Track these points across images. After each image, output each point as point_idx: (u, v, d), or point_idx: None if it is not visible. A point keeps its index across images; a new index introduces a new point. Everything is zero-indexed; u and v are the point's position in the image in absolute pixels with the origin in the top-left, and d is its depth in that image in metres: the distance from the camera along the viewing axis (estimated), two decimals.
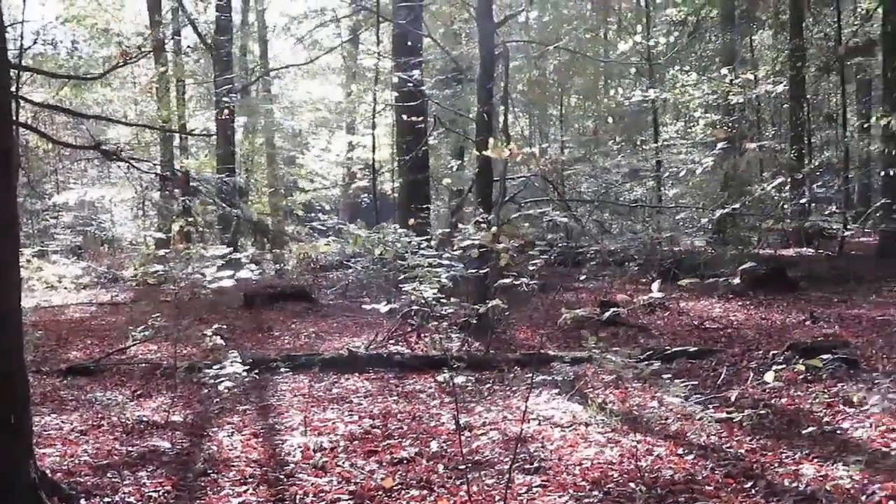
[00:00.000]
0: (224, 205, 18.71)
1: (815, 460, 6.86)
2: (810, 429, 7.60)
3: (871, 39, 26.80)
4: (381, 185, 30.40)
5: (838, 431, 7.75)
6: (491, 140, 11.59)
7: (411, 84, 17.56)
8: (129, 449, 7.78)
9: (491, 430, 8.13)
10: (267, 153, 32.98)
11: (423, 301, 7.21)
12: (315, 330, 14.87)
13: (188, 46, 27.41)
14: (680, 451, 7.28)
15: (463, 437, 7.49)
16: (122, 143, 16.90)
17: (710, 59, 30.59)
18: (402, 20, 18.22)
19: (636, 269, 17.50)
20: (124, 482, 6.80)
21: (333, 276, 21.28)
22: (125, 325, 13.99)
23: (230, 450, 7.70)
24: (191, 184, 16.45)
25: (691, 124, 26.77)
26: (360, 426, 8.41)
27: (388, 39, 24.64)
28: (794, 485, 6.32)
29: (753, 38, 31.68)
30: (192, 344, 12.51)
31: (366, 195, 31.00)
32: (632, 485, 6.42)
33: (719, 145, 16.52)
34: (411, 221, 13.59)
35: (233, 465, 7.19)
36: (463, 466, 6.76)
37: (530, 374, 9.69)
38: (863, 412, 8.22)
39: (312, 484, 6.67)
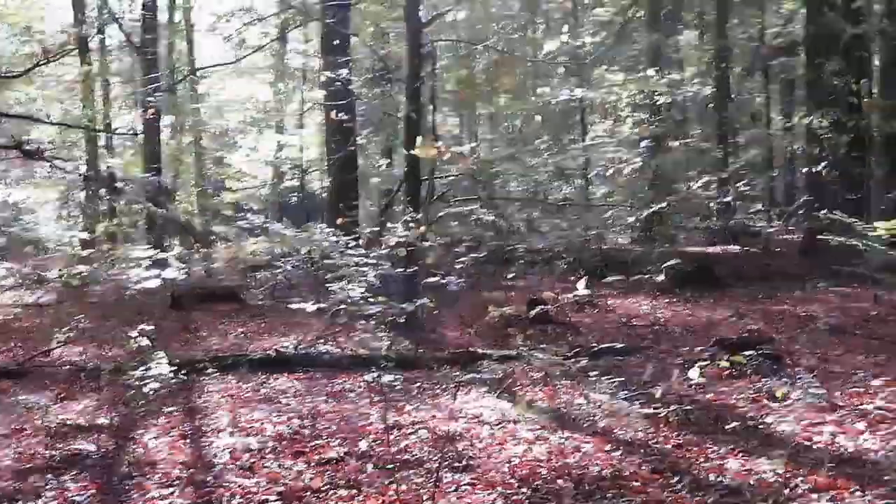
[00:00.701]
0: (150, 205, 18.52)
1: (740, 454, 6.95)
2: (735, 424, 7.71)
3: (794, 40, 27.20)
4: (309, 184, 30.30)
5: (762, 426, 7.87)
6: (419, 139, 11.66)
7: (339, 83, 17.51)
8: (53, 453, 7.68)
9: (420, 428, 8.13)
10: (195, 153, 32.65)
11: (350, 300, 7.20)
12: (244, 330, 14.77)
13: (113, 45, 27.07)
14: (607, 447, 7.34)
15: (391, 437, 7.50)
16: (45, 143, 16.66)
17: (637, 59, 30.85)
18: (330, 19, 18.15)
19: (564, 267, 17.60)
20: (47, 486, 6.72)
21: (262, 276, 21.13)
22: (49, 327, 13.78)
23: (156, 452, 7.62)
24: (116, 184, 16.27)
25: (619, 123, 26.94)
26: (288, 426, 8.37)
27: (316, 38, 24.55)
28: (720, 479, 6.40)
29: (679, 38, 31.94)
30: (117, 345, 12.37)
31: (295, 195, 30.87)
32: (560, 481, 6.46)
33: (643, 143, 16.67)
34: (340, 221, 13.57)
35: (159, 468, 7.12)
36: (391, 466, 6.76)
37: (459, 373, 9.71)
38: (786, 407, 8.35)
39: (240, 485, 6.63)
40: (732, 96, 28.79)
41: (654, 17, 28.88)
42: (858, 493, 5.99)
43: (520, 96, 30.95)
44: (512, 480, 6.53)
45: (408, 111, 13.91)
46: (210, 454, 7.50)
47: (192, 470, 7.04)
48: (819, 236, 15.16)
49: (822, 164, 19.97)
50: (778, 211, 24.47)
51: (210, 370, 10.52)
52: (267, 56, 33.02)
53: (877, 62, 20.56)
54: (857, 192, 19.30)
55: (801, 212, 21.54)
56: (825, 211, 12.51)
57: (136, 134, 24.93)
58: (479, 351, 11.29)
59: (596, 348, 11.31)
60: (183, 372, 9.85)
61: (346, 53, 19.10)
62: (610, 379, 8.79)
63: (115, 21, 26.15)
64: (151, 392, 8.83)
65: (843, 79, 18.52)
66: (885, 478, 6.27)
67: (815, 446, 7.14)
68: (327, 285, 7.73)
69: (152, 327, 10.62)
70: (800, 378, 9.22)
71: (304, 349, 12.14)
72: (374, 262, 7.60)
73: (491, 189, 19.79)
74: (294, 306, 8.86)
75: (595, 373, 8.99)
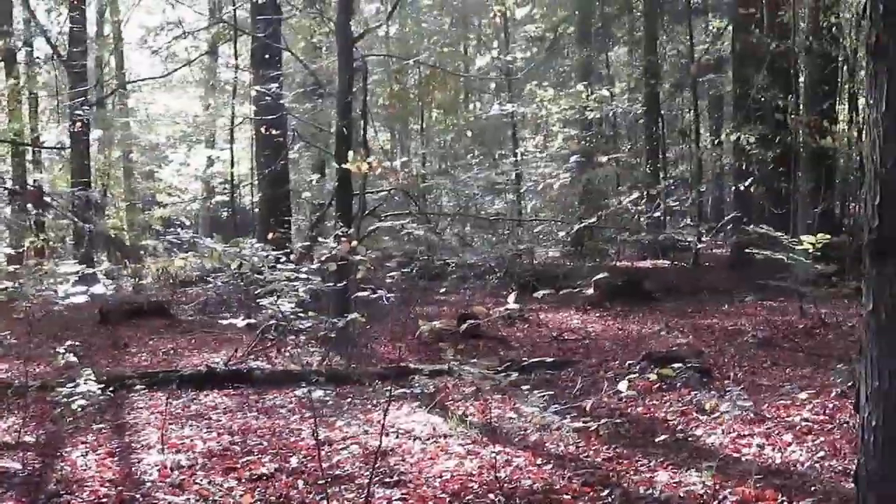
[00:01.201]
0: (78, 220, 18.28)
1: (670, 467, 7.01)
2: (664, 436, 7.78)
3: (722, 57, 27.59)
4: (240, 199, 30.12)
5: (691, 438, 7.94)
6: (350, 153, 11.66)
7: (270, 97, 17.45)
8: None
9: (351, 444, 8.10)
10: (124, 167, 32.34)
11: (280, 315, 7.16)
12: (174, 346, 14.60)
13: (40, 58, 26.69)
14: (539, 461, 7.36)
15: (323, 452, 7.46)
16: None
17: (568, 74, 31.09)
18: (261, 33, 18.08)
19: (496, 281, 17.65)
20: None
21: (193, 292, 20.94)
22: None
23: (84, 470, 7.50)
24: (43, 198, 16.04)
25: (550, 139, 27.14)
26: (218, 443, 8.29)
27: (247, 52, 24.43)
28: (650, 492, 6.44)
29: (610, 54, 32.26)
30: (44, 362, 12.16)
31: (226, 210, 30.64)
32: (491, 496, 6.47)
33: (573, 158, 16.81)
34: (271, 235, 13.50)
35: (87, 486, 7.01)
36: (323, 481, 6.72)
37: (390, 388, 9.69)
38: (715, 419, 8.44)
39: (169, 502, 6.55)
40: (662, 112, 29.10)
41: (584, 33, 29.17)
42: None
43: (451, 111, 31.06)
44: (443, 495, 6.53)
45: (339, 126, 13.88)
46: (139, 471, 7.40)
47: (120, 487, 6.93)
48: (746, 250, 15.38)
49: (750, 179, 20.22)
50: (707, 226, 24.72)
51: (139, 387, 10.38)
52: (197, 70, 32.83)
53: (803, 79, 20.88)
54: (783, 207, 19.57)
55: (729, 226, 21.81)
56: (752, 225, 12.70)
57: (64, 148, 24.60)
58: (411, 366, 11.30)
59: (527, 362, 11.37)
60: (111, 388, 9.72)
61: (277, 68, 19.05)
62: (541, 393, 8.81)
63: (42, 34, 25.78)
64: (79, 409, 8.71)
65: (770, 94, 18.79)
66: (812, 488, 6.36)
67: (743, 458, 7.23)
68: (258, 301, 7.68)
69: (80, 343, 10.48)
70: (728, 391, 9.30)
71: (235, 365, 12.03)
72: (305, 276, 7.55)
73: (423, 204, 19.83)
74: (224, 322, 8.79)
75: (526, 387, 9.01)
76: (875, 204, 2.88)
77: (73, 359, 10.03)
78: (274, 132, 18.49)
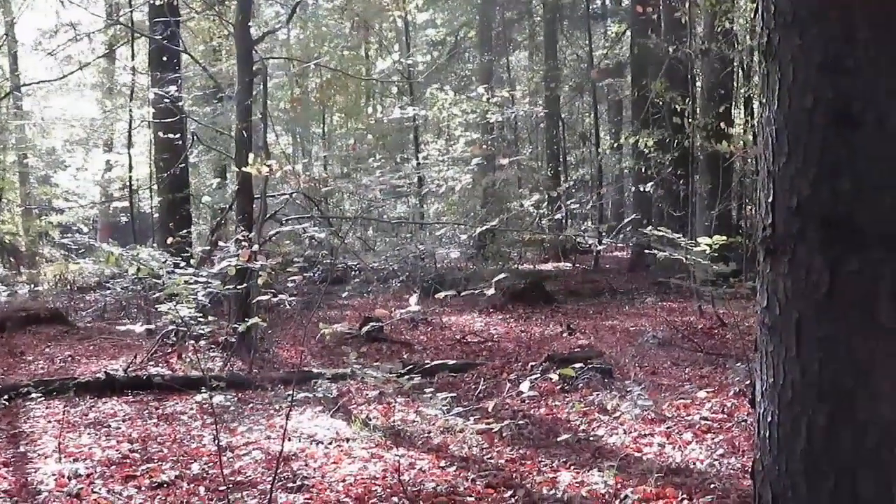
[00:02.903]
0: None
1: (572, 467, 7.07)
2: (567, 437, 7.83)
3: (621, 62, 27.94)
4: (139, 203, 29.69)
5: (593, 438, 8.02)
6: (251, 157, 11.55)
7: (168, 101, 17.23)
8: None
9: (254, 449, 8.03)
10: (19, 172, 31.67)
11: (180, 321, 7.07)
12: (71, 353, 14.32)
13: None
14: (442, 463, 7.37)
15: (225, 458, 7.38)
16: None
17: (469, 78, 31.22)
18: (158, 35, 17.84)
19: (399, 285, 17.65)
20: None
21: (92, 298, 20.58)
22: None
23: None
24: None
25: (452, 142, 27.22)
26: (117, 451, 8.15)
27: (145, 55, 24.09)
28: (552, 492, 6.49)
29: (510, 58, 32.49)
30: None
31: (125, 215, 30.18)
32: (395, 499, 6.46)
33: (474, 161, 16.88)
34: (170, 240, 13.33)
35: None
36: (224, 488, 6.65)
37: (293, 392, 9.63)
38: (616, 419, 8.53)
39: None
40: (563, 116, 29.38)
41: (485, 37, 29.30)
42: (686, 502, 6.15)
43: (353, 115, 30.97)
44: (347, 499, 6.51)
45: (239, 129, 13.76)
46: (35, 481, 7.24)
47: (15, 498, 6.79)
48: (646, 252, 15.59)
49: (649, 182, 20.50)
50: (607, 228, 25.00)
51: (35, 395, 10.16)
52: (95, 72, 32.26)
53: (700, 83, 21.21)
54: (682, 209, 19.86)
55: (628, 229, 22.08)
56: (651, 227, 12.86)
57: None
58: (314, 370, 11.22)
59: (430, 365, 11.38)
60: (6, 397, 9.53)
61: (176, 70, 18.80)
62: (444, 395, 8.83)
63: None
64: None
65: (668, 98, 19.05)
66: (712, 486, 6.46)
67: (644, 457, 7.31)
68: (157, 306, 7.57)
69: None
70: (629, 391, 9.42)
71: (135, 371, 11.85)
72: (204, 281, 7.46)
73: (325, 207, 19.74)
74: (121, 328, 8.65)
75: (429, 389, 9.01)
76: (769, 202, 2.93)
77: None
78: (173, 136, 18.26)
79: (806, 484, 2.88)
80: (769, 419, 3.02)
